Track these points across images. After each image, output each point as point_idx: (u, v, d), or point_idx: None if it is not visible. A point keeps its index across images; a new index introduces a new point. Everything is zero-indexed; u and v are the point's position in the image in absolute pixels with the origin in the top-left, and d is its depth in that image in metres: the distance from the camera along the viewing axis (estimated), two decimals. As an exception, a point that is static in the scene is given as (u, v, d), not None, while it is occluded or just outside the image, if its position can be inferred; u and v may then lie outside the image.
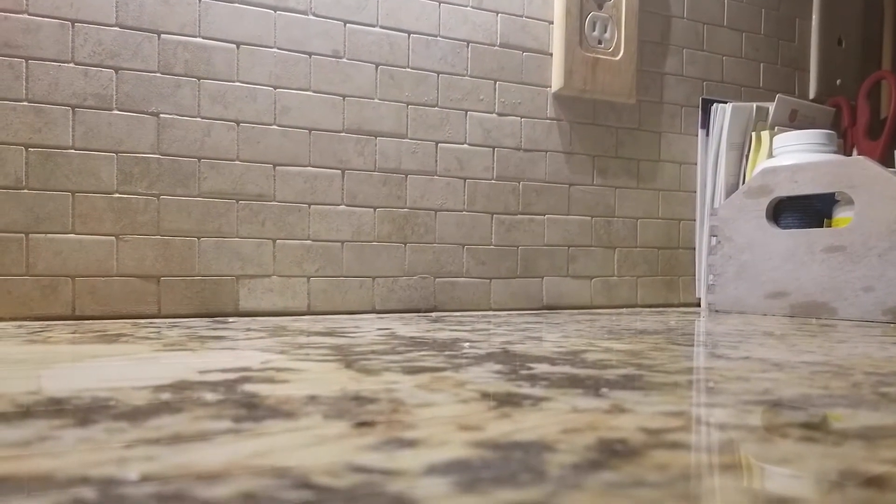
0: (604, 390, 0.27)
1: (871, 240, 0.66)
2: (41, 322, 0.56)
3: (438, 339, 0.45)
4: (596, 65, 0.79)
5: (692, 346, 0.45)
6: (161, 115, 0.61)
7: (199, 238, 0.63)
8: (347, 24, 0.68)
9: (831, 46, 0.99)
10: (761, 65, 0.94)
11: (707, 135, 0.88)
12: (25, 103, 0.57)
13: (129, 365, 0.34)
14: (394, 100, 0.71)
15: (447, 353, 0.38)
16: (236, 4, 0.64)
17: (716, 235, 0.81)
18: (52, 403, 0.23)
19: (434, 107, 0.73)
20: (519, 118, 0.77)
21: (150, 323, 0.56)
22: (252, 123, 0.64)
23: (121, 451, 0.18)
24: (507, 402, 0.24)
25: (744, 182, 0.84)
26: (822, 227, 0.75)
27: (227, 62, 0.64)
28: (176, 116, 0.62)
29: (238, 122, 0.64)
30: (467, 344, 0.43)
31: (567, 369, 0.33)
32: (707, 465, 0.17)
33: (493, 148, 0.76)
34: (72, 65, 0.58)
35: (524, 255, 0.78)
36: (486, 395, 0.25)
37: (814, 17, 0.98)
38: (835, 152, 0.77)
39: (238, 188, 0.64)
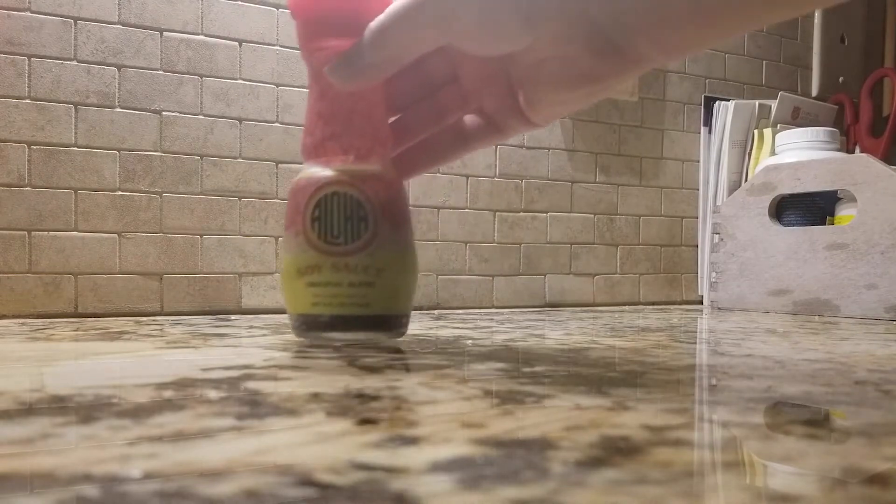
0: (606, 388, 0.27)
1: (873, 237, 0.66)
2: (44, 319, 0.56)
3: (441, 337, 0.45)
4: (598, 62, 0.79)
5: (694, 343, 0.45)
6: (163, 113, 0.61)
7: (201, 236, 0.63)
8: (349, 22, 0.68)
9: (834, 44, 0.98)
10: (764, 62, 0.94)
11: (709, 132, 0.88)
12: (28, 101, 0.57)
13: (132, 362, 0.34)
14: (396, 97, 0.70)
15: (450, 350, 0.38)
16: (238, 2, 0.64)
17: (718, 233, 0.80)
18: (54, 401, 0.23)
19: (436, 104, 0.72)
20: (521, 116, 0.77)
21: (153, 320, 0.56)
22: (254, 121, 0.64)
23: (123, 448, 0.18)
24: (509, 399, 0.24)
25: (746, 180, 0.84)
26: (824, 224, 0.75)
27: (230, 60, 0.64)
28: (178, 114, 0.62)
29: (241, 120, 0.64)
30: (470, 341, 0.43)
31: (570, 367, 0.33)
32: (710, 463, 0.17)
33: (496, 145, 0.76)
34: (74, 62, 0.58)
35: (526, 253, 0.78)
36: (488, 393, 0.25)
37: (816, 14, 0.98)
38: (837, 150, 0.77)
39: (240, 186, 0.64)
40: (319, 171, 0.38)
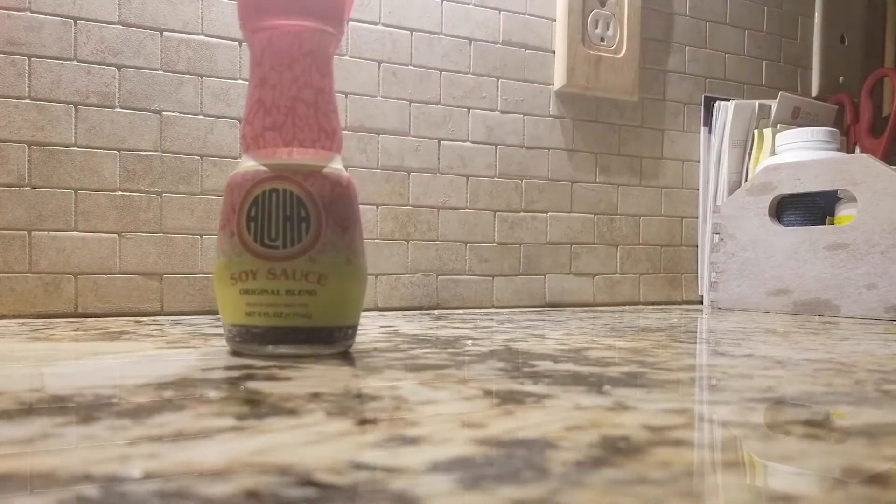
0: (606, 388, 0.27)
1: (873, 237, 0.66)
2: (44, 319, 0.56)
3: (441, 337, 0.45)
4: (598, 62, 0.79)
5: (695, 343, 0.45)
6: (163, 113, 0.61)
7: (201, 235, 0.63)
8: (350, 22, 0.68)
9: (834, 44, 0.98)
10: (764, 62, 0.94)
11: (710, 132, 0.88)
12: (28, 101, 0.57)
13: (132, 362, 0.34)
14: (396, 97, 0.71)
15: (450, 350, 0.38)
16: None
17: (718, 233, 0.80)
18: (54, 401, 0.23)
19: (437, 104, 0.73)
20: (521, 116, 0.77)
21: (153, 320, 0.56)
22: (254, 121, 0.64)
23: (123, 448, 0.18)
24: (509, 399, 0.24)
25: (746, 180, 0.84)
26: (824, 224, 0.75)
27: (230, 59, 0.64)
28: (178, 114, 0.62)
29: (241, 120, 0.64)
30: (470, 341, 0.43)
31: (570, 367, 0.33)
32: (710, 463, 0.17)
33: (496, 145, 0.76)
34: (74, 62, 0.58)
35: (527, 253, 0.78)
36: (488, 393, 0.25)
37: (816, 14, 0.98)
38: (837, 150, 0.77)
39: (240, 186, 0.64)
40: (257, 166, 0.35)
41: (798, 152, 0.77)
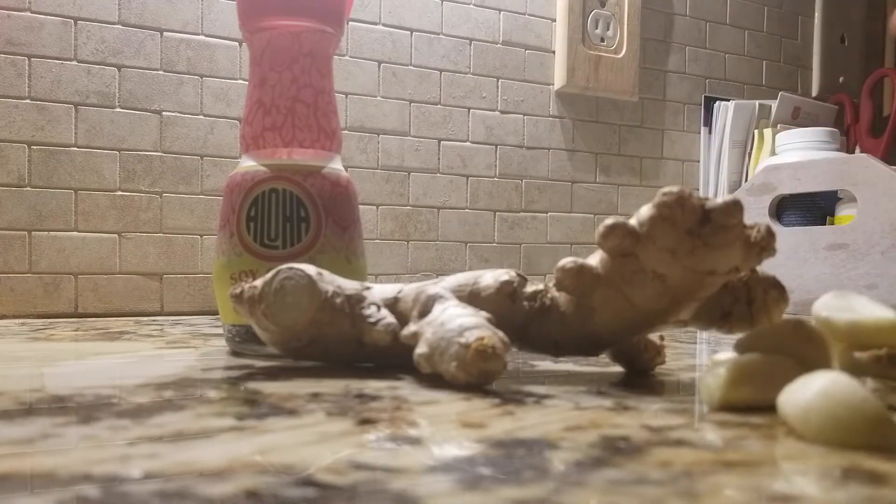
0: (606, 388, 0.27)
1: (873, 237, 0.66)
2: (44, 319, 0.56)
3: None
4: (598, 62, 0.79)
5: (695, 343, 0.45)
6: (163, 113, 0.61)
7: (201, 236, 0.63)
8: (350, 22, 0.68)
9: (834, 44, 0.98)
10: (764, 62, 0.94)
11: (710, 133, 0.88)
12: (28, 101, 0.57)
13: (132, 362, 0.34)
14: (396, 97, 0.71)
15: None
16: (238, 2, 0.64)
17: (718, 233, 0.80)
18: (54, 401, 0.23)
19: (437, 104, 0.73)
20: (521, 116, 0.77)
21: (153, 321, 0.56)
22: (254, 121, 0.64)
23: (123, 448, 0.18)
24: (510, 399, 0.24)
25: (746, 180, 0.84)
26: (824, 224, 0.75)
27: (230, 59, 0.64)
28: (178, 114, 0.62)
29: (240, 120, 0.64)
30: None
31: (570, 367, 0.33)
32: (710, 463, 0.17)
33: (496, 145, 0.76)
34: (74, 62, 0.58)
35: (527, 253, 0.78)
36: (488, 393, 0.25)
37: (816, 14, 0.98)
38: (837, 150, 0.77)
39: (240, 186, 0.64)
40: (257, 166, 0.35)
41: (798, 152, 0.77)
